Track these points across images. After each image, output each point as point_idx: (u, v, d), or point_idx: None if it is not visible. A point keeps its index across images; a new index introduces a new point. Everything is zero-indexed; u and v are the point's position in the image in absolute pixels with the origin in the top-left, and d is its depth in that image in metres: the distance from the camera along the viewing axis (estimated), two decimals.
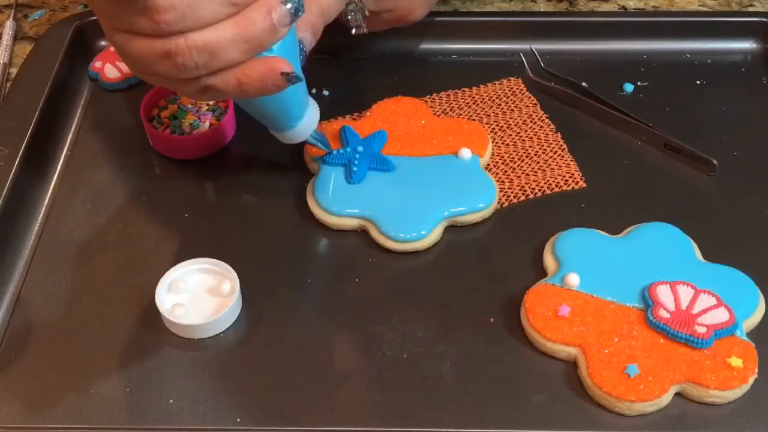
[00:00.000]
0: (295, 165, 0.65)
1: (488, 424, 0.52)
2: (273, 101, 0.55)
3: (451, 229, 0.61)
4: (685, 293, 0.55)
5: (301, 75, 0.54)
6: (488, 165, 0.65)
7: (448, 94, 0.70)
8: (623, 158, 0.66)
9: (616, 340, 0.53)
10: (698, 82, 0.71)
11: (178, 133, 0.65)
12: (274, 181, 0.65)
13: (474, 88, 0.71)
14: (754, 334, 0.55)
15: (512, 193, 0.63)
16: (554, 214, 0.62)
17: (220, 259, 0.58)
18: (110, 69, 0.71)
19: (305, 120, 0.59)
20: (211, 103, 0.67)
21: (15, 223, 0.62)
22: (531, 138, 0.67)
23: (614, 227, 0.60)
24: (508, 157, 0.66)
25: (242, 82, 0.50)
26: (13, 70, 0.74)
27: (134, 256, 0.60)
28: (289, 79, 0.50)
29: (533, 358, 0.55)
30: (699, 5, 0.79)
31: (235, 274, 0.57)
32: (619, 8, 0.79)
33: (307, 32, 0.58)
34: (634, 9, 0.79)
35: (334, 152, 0.63)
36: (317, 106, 0.61)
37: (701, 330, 0.53)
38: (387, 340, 0.55)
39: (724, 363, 0.52)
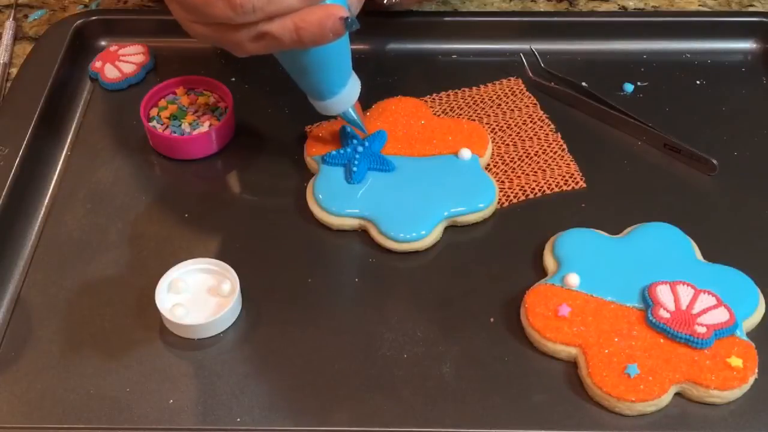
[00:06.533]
0: (295, 165, 0.65)
1: (488, 424, 0.52)
2: (322, 58, 0.55)
3: (451, 229, 0.61)
4: (685, 293, 0.55)
5: (357, 23, 0.53)
6: (488, 165, 0.65)
7: (448, 94, 0.70)
8: (623, 158, 0.66)
9: (616, 340, 0.53)
10: (698, 82, 0.71)
11: (178, 133, 0.65)
12: (274, 181, 0.65)
13: (474, 88, 0.71)
14: (754, 334, 0.55)
15: (512, 193, 0.63)
16: (554, 214, 0.62)
17: (220, 259, 0.58)
18: (110, 69, 0.71)
19: (348, 88, 0.59)
20: (211, 102, 0.67)
21: (15, 223, 0.62)
22: (531, 138, 0.67)
23: (614, 227, 0.60)
24: (508, 157, 0.66)
25: (300, 27, 0.50)
26: (13, 70, 0.74)
27: (134, 256, 0.60)
28: (348, 24, 0.50)
29: (533, 358, 0.55)
30: (699, 5, 0.79)
31: (235, 274, 0.57)
32: (619, 8, 0.79)
33: None
34: (634, 9, 0.79)
35: (334, 152, 0.63)
36: (359, 80, 0.61)
37: (701, 330, 0.53)
38: (387, 340, 0.55)
39: (724, 363, 0.52)
